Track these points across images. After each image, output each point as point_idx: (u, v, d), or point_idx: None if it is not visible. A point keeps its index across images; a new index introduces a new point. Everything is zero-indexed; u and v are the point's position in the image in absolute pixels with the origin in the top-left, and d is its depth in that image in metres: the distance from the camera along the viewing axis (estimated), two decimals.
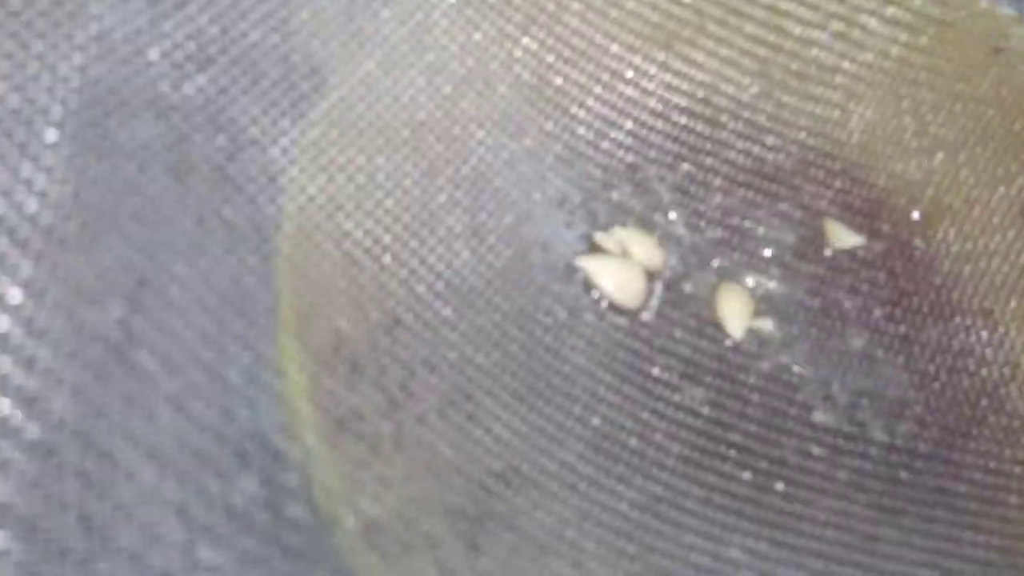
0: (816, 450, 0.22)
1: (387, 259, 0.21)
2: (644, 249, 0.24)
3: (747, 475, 0.21)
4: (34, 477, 0.13)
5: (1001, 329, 0.23)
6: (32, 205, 0.15)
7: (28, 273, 0.14)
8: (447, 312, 0.21)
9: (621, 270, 0.23)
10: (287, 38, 0.20)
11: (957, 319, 0.23)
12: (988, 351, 0.23)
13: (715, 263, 0.24)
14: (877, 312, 0.24)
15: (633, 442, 0.21)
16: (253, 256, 0.18)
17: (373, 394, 0.18)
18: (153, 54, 0.18)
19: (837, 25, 0.26)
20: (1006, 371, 0.23)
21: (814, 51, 0.26)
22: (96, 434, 0.13)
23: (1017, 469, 0.21)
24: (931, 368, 0.23)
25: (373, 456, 0.17)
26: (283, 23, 0.20)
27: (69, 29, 0.17)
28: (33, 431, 0.13)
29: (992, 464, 0.21)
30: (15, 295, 0.14)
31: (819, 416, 0.22)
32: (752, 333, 0.23)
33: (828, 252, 0.24)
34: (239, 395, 0.16)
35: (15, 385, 0.13)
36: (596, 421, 0.21)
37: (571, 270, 0.24)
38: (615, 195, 0.25)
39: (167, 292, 0.17)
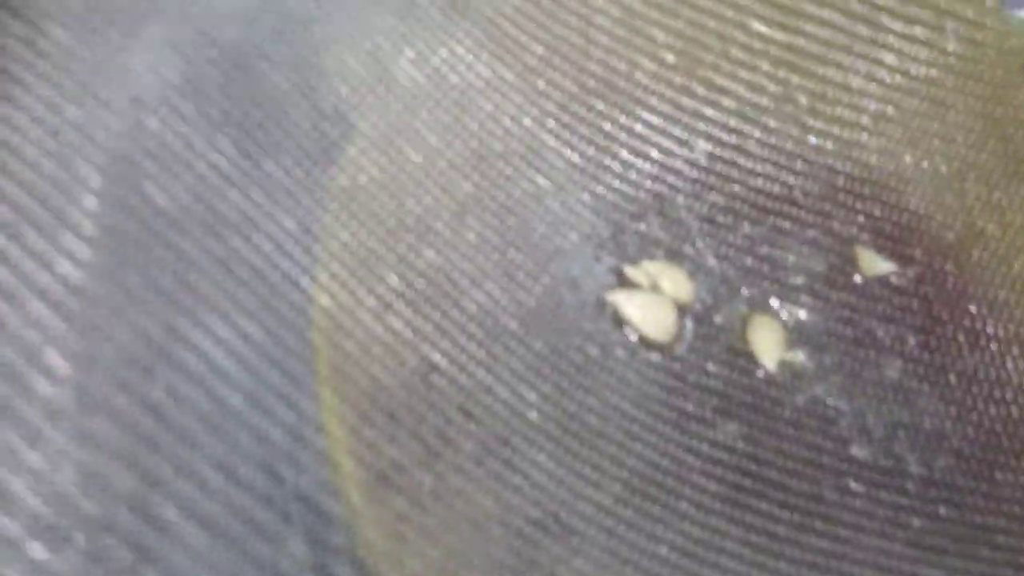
0: (854, 485, 0.22)
1: (421, 302, 0.21)
2: (674, 282, 0.24)
3: (785, 513, 0.21)
4: (93, 552, 0.13)
5: None
6: (69, 269, 0.15)
7: (73, 344, 0.15)
8: (481, 355, 0.21)
9: (651, 304, 0.23)
10: (316, 86, 0.20)
11: (993, 347, 0.23)
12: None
13: (745, 293, 0.24)
14: (911, 341, 0.24)
15: (670, 482, 0.21)
16: (289, 309, 0.18)
17: (412, 444, 0.18)
18: (187, 110, 0.18)
19: (862, 47, 0.26)
20: None
21: (840, 73, 0.26)
22: (150, 504, 0.14)
23: None
24: (968, 398, 0.23)
25: (415, 509, 0.17)
26: (311, 70, 0.20)
27: (106, 94, 0.17)
28: (90, 507, 0.13)
29: None
30: (62, 366, 0.14)
31: (855, 450, 0.22)
32: (785, 365, 0.23)
33: (859, 279, 0.24)
34: (284, 455, 0.16)
35: (73, 459, 0.13)
36: (632, 461, 0.21)
37: (601, 305, 0.24)
38: (643, 227, 0.25)
39: (206, 350, 0.17)
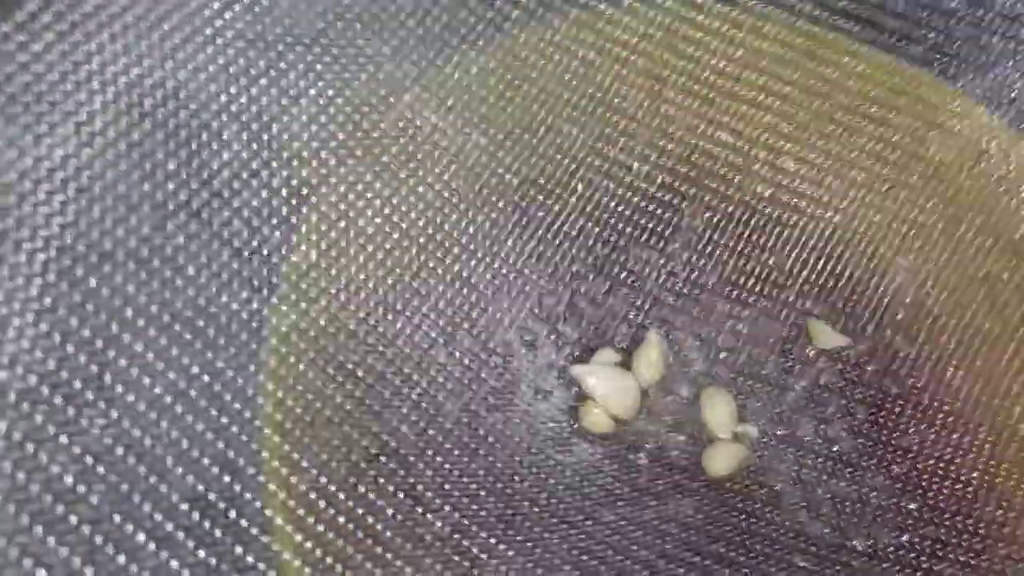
0: (800, 561, 0.22)
1: (368, 385, 0.20)
2: (646, 361, 0.24)
3: None
4: None
5: (982, 435, 0.23)
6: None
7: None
8: (430, 438, 0.21)
9: (616, 380, 0.23)
10: (268, 161, 0.20)
11: (939, 421, 0.24)
12: (969, 457, 0.23)
13: (699, 367, 0.24)
14: (860, 415, 0.24)
15: (620, 561, 0.21)
16: (235, 399, 0.18)
17: (360, 535, 0.18)
18: (136, 199, 0.18)
19: (822, 124, 0.25)
20: (986, 479, 0.23)
21: (799, 148, 0.26)
22: None
23: None
24: (913, 474, 0.23)
25: None
26: (263, 147, 0.20)
27: (50, 172, 0.16)
28: None
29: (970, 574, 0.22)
30: None
31: (802, 524, 0.23)
32: (738, 437, 0.24)
33: (812, 352, 0.25)
34: (228, 555, 0.16)
35: None
36: (583, 541, 0.21)
37: (560, 381, 0.24)
38: (610, 300, 0.25)
39: (155, 457, 0.16)
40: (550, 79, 0.24)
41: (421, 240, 0.23)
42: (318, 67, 0.21)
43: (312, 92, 0.21)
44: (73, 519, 0.15)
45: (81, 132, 0.17)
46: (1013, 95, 0.23)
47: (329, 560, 0.18)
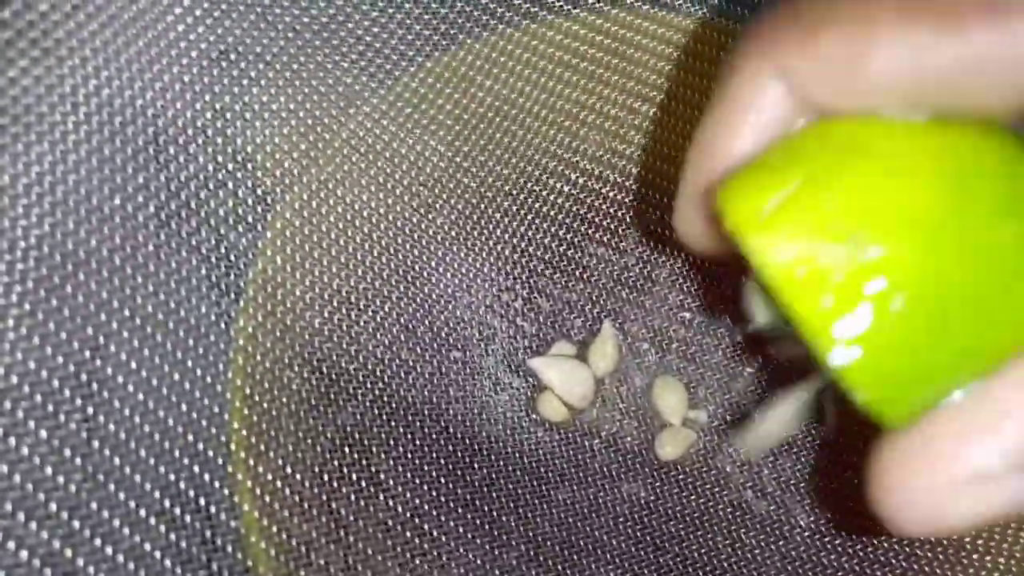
0: (747, 537, 0.23)
1: (332, 379, 0.22)
2: (602, 354, 0.25)
3: (681, 566, 0.22)
4: None
5: None
6: None
7: None
8: (391, 427, 0.22)
9: (572, 371, 0.25)
10: (234, 173, 0.21)
11: None
12: None
13: (652, 356, 0.26)
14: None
15: (573, 539, 0.22)
16: (203, 393, 0.19)
17: (323, 519, 0.20)
18: (107, 211, 0.19)
19: None
20: None
21: None
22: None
23: (928, 555, 0.23)
24: (854, 456, 0.24)
25: None
26: (229, 158, 0.21)
27: (24, 186, 0.18)
28: None
29: (907, 548, 0.23)
30: None
31: (749, 503, 0.24)
32: (688, 423, 0.25)
33: (760, 341, 0.26)
34: (197, 538, 0.18)
35: None
36: (538, 522, 0.22)
37: (520, 371, 0.25)
38: (565, 294, 0.26)
39: (121, 423, 0.18)
40: (503, 87, 0.25)
41: (383, 242, 0.24)
42: (280, 82, 0.22)
43: (274, 106, 0.22)
44: (52, 505, 0.17)
45: (55, 151, 0.19)
46: None
47: (294, 542, 0.19)
